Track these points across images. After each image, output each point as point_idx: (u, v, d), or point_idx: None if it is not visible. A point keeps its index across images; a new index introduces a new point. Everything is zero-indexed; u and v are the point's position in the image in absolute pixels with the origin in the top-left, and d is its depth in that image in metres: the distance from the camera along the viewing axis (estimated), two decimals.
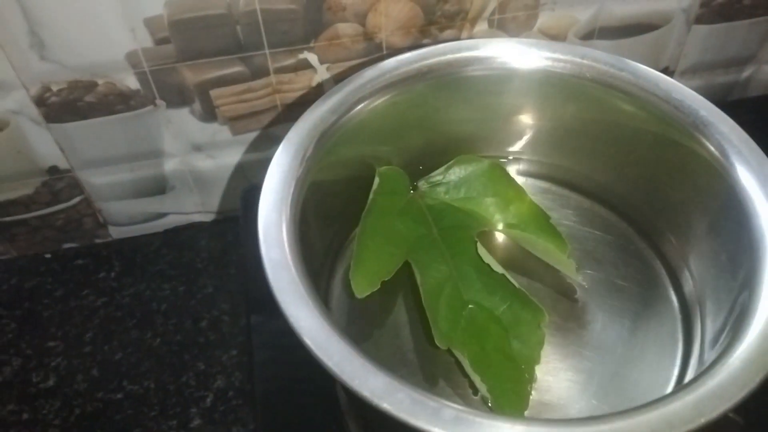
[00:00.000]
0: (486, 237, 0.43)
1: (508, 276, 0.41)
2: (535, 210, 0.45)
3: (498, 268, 0.41)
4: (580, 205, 0.47)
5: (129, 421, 0.54)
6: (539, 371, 0.40)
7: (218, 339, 0.58)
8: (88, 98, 0.53)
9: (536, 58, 0.43)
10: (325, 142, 0.39)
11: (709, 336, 0.38)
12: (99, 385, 0.55)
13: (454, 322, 0.40)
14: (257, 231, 0.34)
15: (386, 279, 0.40)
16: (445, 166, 0.46)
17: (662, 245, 0.44)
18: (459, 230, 0.44)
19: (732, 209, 0.37)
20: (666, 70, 0.63)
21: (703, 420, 0.27)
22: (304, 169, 0.38)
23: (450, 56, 0.44)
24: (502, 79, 0.44)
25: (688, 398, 0.28)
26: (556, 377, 0.40)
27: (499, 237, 0.45)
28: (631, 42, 0.59)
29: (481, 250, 0.42)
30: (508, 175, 0.46)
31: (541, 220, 0.44)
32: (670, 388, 0.39)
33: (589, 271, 0.44)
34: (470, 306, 0.40)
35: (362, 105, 0.41)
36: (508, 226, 0.44)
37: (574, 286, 0.43)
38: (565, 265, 0.43)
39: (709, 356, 0.36)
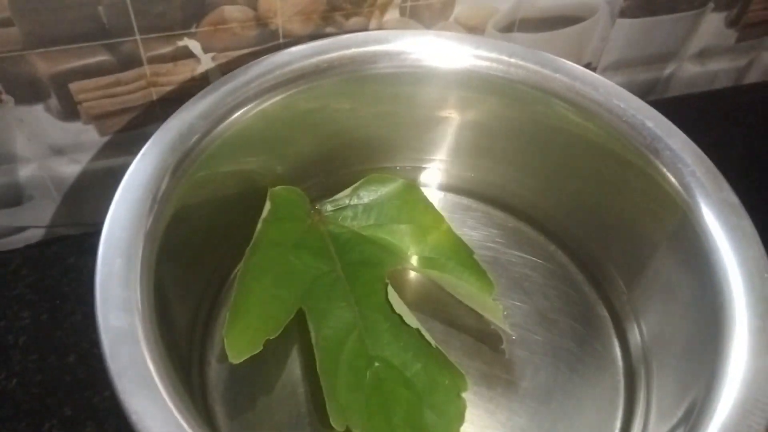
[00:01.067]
0: (399, 274, 0.37)
1: (422, 330, 0.34)
2: (455, 242, 0.39)
3: (412, 322, 0.35)
4: (505, 224, 0.42)
5: None
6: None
7: (89, 377, 0.50)
8: None
9: (457, 55, 0.37)
10: (194, 156, 0.31)
11: (656, 400, 0.33)
12: None
13: (356, 387, 0.33)
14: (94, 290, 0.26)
15: (272, 337, 0.33)
16: (353, 186, 0.40)
17: (600, 274, 0.39)
18: (368, 267, 0.37)
19: (685, 242, 0.31)
20: (588, 66, 0.60)
21: None
22: (163, 197, 0.30)
23: (355, 50, 0.37)
24: (416, 79, 0.38)
25: None
26: None
27: (414, 274, 0.39)
28: (553, 35, 0.55)
29: (392, 297, 0.35)
30: (425, 198, 0.40)
31: (462, 255, 0.39)
32: None
33: (516, 303, 0.38)
34: (377, 364, 0.34)
35: (246, 108, 0.34)
36: (425, 262, 0.38)
37: (500, 333, 0.37)
38: (491, 309, 0.37)
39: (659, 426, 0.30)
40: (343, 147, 0.41)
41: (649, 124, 0.33)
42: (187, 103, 0.33)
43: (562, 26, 0.54)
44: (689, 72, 0.64)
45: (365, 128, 0.40)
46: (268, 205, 0.36)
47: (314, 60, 0.36)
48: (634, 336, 0.36)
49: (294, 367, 0.36)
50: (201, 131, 0.32)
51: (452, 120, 0.40)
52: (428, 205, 0.39)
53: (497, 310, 0.37)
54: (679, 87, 0.65)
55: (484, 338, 0.38)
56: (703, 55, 0.64)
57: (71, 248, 0.56)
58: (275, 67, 0.35)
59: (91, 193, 0.54)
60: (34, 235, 0.55)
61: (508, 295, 0.39)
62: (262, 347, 0.32)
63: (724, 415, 0.25)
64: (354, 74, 0.37)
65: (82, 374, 0.50)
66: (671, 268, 0.33)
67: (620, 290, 0.38)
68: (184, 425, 0.23)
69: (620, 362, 0.36)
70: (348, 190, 0.40)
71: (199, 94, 0.33)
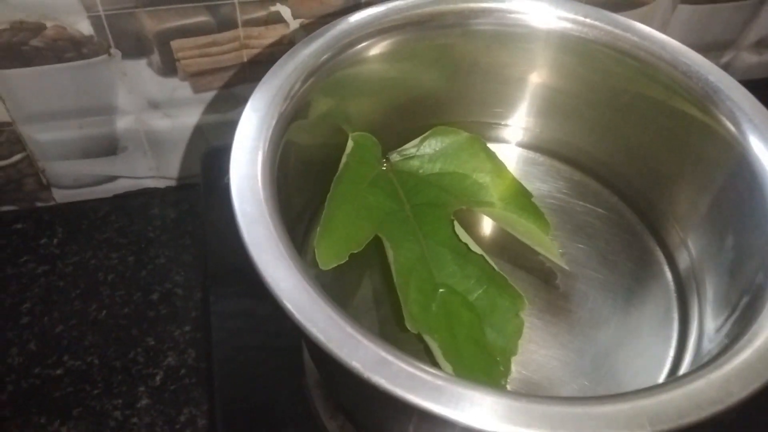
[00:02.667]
0: (463, 216, 0.40)
1: (487, 257, 0.38)
2: (516, 187, 0.42)
3: (476, 248, 0.38)
4: (571, 177, 0.45)
5: (69, 399, 0.49)
6: (527, 351, 0.37)
7: (170, 313, 0.54)
8: (35, 42, 0.48)
9: (548, 15, 0.40)
10: (299, 96, 0.35)
11: (710, 318, 0.36)
12: (36, 360, 0.51)
13: (425, 306, 0.37)
14: (229, 186, 0.29)
15: (355, 251, 0.37)
16: (420, 137, 0.43)
17: (658, 222, 0.42)
18: (433, 208, 0.40)
19: (742, 183, 0.34)
20: None
21: (732, 400, 0.25)
22: (279, 124, 0.34)
23: (456, 5, 0.40)
24: (509, 38, 0.41)
25: (715, 376, 0.25)
26: (544, 356, 0.37)
27: (477, 217, 0.42)
28: None
29: (458, 229, 0.39)
30: (487, 149, 0.42)
31: (522, 199, 0.41)
32: (665, 370, 0.36)
33: (580, 246, 0.42)
34: (441, 290, 0.37)
35: (344, 55, 0.37)
36: (487, 205, 0.41)
37: (556, 271, 0.40)
38: (548, 247, 0.40)
39: (717, 338, 0.33)
40: (421, 99, 0.43)
41: (711, 78, 0.36)
42: (298, 44, 0.36)
43: (625, 8, 0.56)
44: (747, 61, 0.66)
45: (449, 83, 0.43)
46: (350, 144, 0.40)
47: (415, 12, 0.38)
48: (687, 268, 0.39)
49: (376, 280, 0.40)
50: (309, 69, 0.36)
51: (532, 79, 0.43)
52: (490, 155, 0.42)
53: (553, 247, 0.40)
54: (736, 76, 0.66)
55: (544, 273, 0.41)
56: (761, 44, 0.65)
57: (156, 200, 0.60)
58: (375, 17, 0.38)
59: (178, 149, 0.58)
60: (123, 185, 0.60)
61: (572, 239, 0.42)
62: (347, 258, 0.36)
63: None
64: (451, 29, 0.40)
65: (164, 310, 0.54)
66: (727, 206, 0.36)
67: (676, 233, 0.41)
68: (311, 288, 0.26)
69: (673, 291, 0.39)
70: (416, 141, 0.43)
71: (309, 37, 0.37)
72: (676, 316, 0.38)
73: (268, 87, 0.34)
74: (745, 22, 0.62)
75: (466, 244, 0.38)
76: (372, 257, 0.39)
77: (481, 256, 0.38)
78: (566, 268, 0.40)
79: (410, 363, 0.25)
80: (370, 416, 0.36)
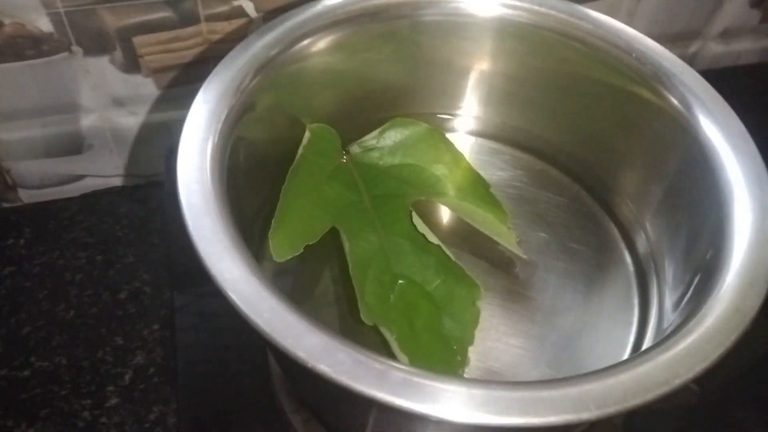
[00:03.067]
0: (422, 207, 0.40)
1: (444, 247, 0.38)
2: (474, 177, 0.42)
3: (433, 239, 0.38)
4: (531, 166, 0.45)
5: (36, 400, 0.49)
6: (488, 339, 0.37)
7: (138, 312, 0.53)
8: None
9: (493, 4, 0.40)
10: (250, 89, 0.35)
11: (668, 299, 0.36)
12: (2, 362, 0.50)
13: (383, 298, 0.37)
14: (175, 176, 0.29)
15: (310, 243, 0.37)
16: (380, 129, 0.43)
17: (616, 207, 0.42)
18: (392, 199, 0.40)
19: (695, 165, 0.35)
20: None
21: (677, 381, 0.25)
22: (229, 118, 0.33)
23: None
24: (457, 27, 0.41)
25: (661, 358, 0.26)
26: (505, 344, 0.37)
27: (437, 207, 0.42)
28: None
29: (416, 220, 0.39)
30: (446, 140, 0.43)
31: (480, 189, 0.41)
32: (626, 354, 0.36)
33: (541, 234, 0.42)
34: (400, 281, 0.37)
35: (297, 47, 0.37)
36: (445, 195, 0.41)
37: (516, 260, 0.40)
38: (506, 237, 0.40)
39: (673, 319, 0.33)
40: (378, 92, 0.43)
41: (666, 64, 0.37)
42: (248, 37, 0.36)
43: (589, 0, 0.56)
44: (713, 51, 0.66)
45: (402, 75, 0.43)
46: (307, 135, 0.40)
47: (363, 4, 0.38)
48: (645, 252, 0.40)
49: (336, 274, 0.39)
50: (258, 64, 0.35)
51: (484, 68, 0.44)
52: (449, 145, 0.42)
53: (511, 236, 0.40)
54: (703, 66, 0.66)
55: (504, 263, 0.41)
56: (726, 34, 0.65)
57: (124, 198, 0.60)
58: (327, 10, 0.38)
59: (145, 146, 0.58)
60: (90, 184, 0.59)
61: (533, 227, 0.42)
62: (302, 250, 0.36)
63: (733, 273, 0.28)
64: (399, 21, 0.40)
65: (133, 309, 0.54)
66: (682, 188, 0.36)
67: (635, 217, 0.41)
68: (255, 279, 0.26)
69: (633, 276, 0.39)
70: (375, 133, 0.43)
71: (258, 31, 0.36)
72: (636, 300, 0.39)
73: (219, 80, 0.34)
74: (710, 12, 0.63)
75: (423, 235, 0.38)
76: (332, 251, 0.39)
77: (438, 246, 0.38)
78: (524, 257, 0.40)
79: (355, 351, 0.25)
80: (328, 408, 0.36)
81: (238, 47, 0.35)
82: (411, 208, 0.40)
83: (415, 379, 0.24)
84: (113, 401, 0.49)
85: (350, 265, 0.37)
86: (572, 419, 0.24)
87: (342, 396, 0.30)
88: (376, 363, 0.24)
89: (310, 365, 0.24)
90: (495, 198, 0.41)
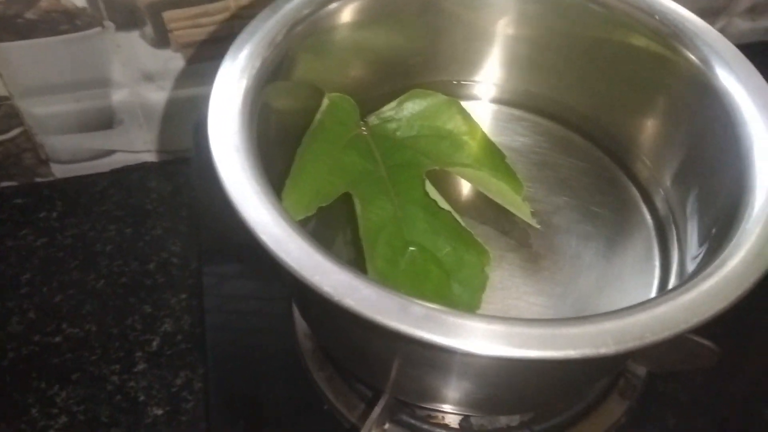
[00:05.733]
0: (438, 177, 0.41)
1: (454, 213, 0.38)
2: (490, 148, 0.42)
3: (444, 205, 0.39)
4: (553, 132, 0.45)
5: (67, 364, 0.50)
6: (509, 297, 0.38)
7: (167, 282, 0.55)
8: (29, 15, 0.49)
9: None
10: (282, 44, 0.36)
11: (689, 256, 0.36)
12: (36, 328, 0.52)
13: (393, 263, 0.37)
14: (203, 147, 0.30)
15: (323, 205, 0.37)
16: (398, 100, 0.43)
17: (637, 169, 0.43)
18: (408, 168, 0.41)
19: (716, 121, 0.35)
20: None
21: (696, 320, 0.25)
22: (259, 75, 0.34)
23: None
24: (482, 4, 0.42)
25: (681, 299, 0.26)
26: (526, 302, 0.38)
27: (452, 178, 0.43)
28: None
29: (429, 187, 0.39)
30: (463, 110, 0.43)
31: (495, 160, 0.42)
32: None
33: (563, 197, 0.42)
34: (411, 248, 0.38)
35: (325, 9, 0.38)
36: (461, 165, 0.42)
37: (528, 230, 0.41)
38: (519, 207, 0.41)
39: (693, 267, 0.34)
40: (401, 59, 0.44)
41: (687, 24, 0.37)
42: (267, 8, 0.37)
43: None
44: (740, 27, 0.66)
45: (424, 41, 0.44)
46: (325, 102, 0.40)
47: None
48: (664, 206, 0.40)
49: (344, 237, 0.40)
50: (284, 29, 0.36)
51: (508, 34, 0.44)
52: (466, 116, 0.43)
53: (525, 206, 0.40)
54: (730, 41, 0.66)
55: (528, 225, 0.41)
56: (754, 10, 0.64)
57: (153, 173, 0.61)
58: None
59: (173, 122, 0.59)
60: (120, 159, 0.61)
61: (556, 191, 0.42)
62: (315, 211, 0.37)
63: (753, 221, 0.29)
64: None
65: (161, 279, 0.55)
66: (703, 145, 0.36)
67: (655, 179, 0.41)
68: (283, 221, 0.27)
69: (654, 238, 0.40)
70: (393, 104, 0.43)
71: (268, 9, 0.37)
72: (657, 261, 0.39)
73: (250, 36, 0.35)
74: None
75: (435, 202, 0.39)
76: (345, 216, 0.40)
77: (449, 212, 0.39)
78: (537, 227, 0.40)
79: (379, 288, 0.26)
80: (352, 357, 0.37)
81: (267, 9, 0.36)
82: (425, 177, 0.40)
83: (437, 314, 0.25)
84: (141, 366, 0.50)
85: (361, 230, 0.38)
86: (590, 353, 0.24)
87: (366, 339, 0.31)
88: (399, 298, 0.25)
89: (336, 299, 0.25)
90: (510, 169, 0.41)
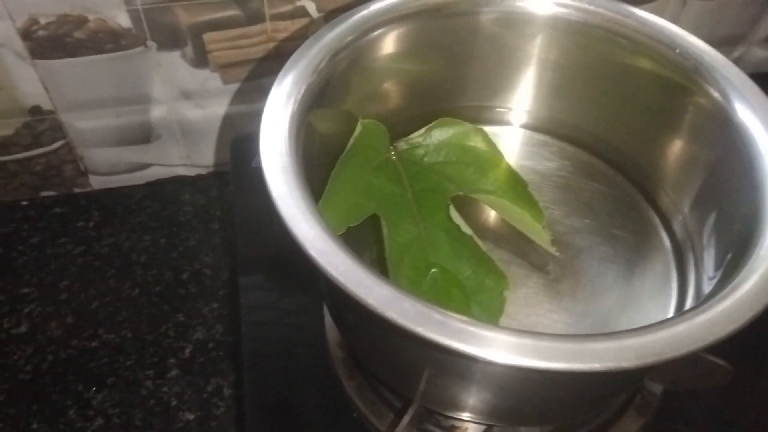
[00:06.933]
0: (463, 203, 0.43)
1: (476, 238, 0.40)
2: (512, 176, 0.44)
3: (466, 230, 0.41)
4: (578, 157, 0.47)
5: (103, 369, 0.52)
6: (533, 314, 0.40)
7: (199, 291, 0.57)
8: (78, 34, 0.51)
9: (547, 2, 0.43)
10: (326, 70, 0.38)
11: (705, 277, 0.38)
12: (73, 332, 0.54)
13: (416, 283, 0.39)
14: (259, 165, 0.32)
15: (352, 225, 0.39)
16: (426, 127, 0.45)
17: (657, 195, 0.45)
18: (433, 193, 0.43)
19: (734, 153, 0.37)
20: None
21: (712, 338, 0.27)
22: (304, 100, 0.37)
23: None
24: (512, 24, 0.44)
25: (697, 319, 0.28)
26: (549, 319, 0.40)
27: (478, 204, 0.45)
28: None
29: (452, 212, 0.41)
30: (489, 140, 0.45)
31: (518, 188, 0.44)
32: None
33: (585, 220, 0.44)
34: (434, 270, 0.40)
35: (366, 38, 0.40)
36: (485, 192, 0.44)
37: (561, 245, 0.43)
38: (540, 235, 0.42)
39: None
40: (434, 85, 0.46)
41: (707, 59, 0.39)
42: (311, 37, 0.39)
43: (634, 4, 0.58)
44: (757, 56, 0.67)
45: (457, 69, 0.46)
46: (359, 128, 0.43)
47: (424, 1, 0.42)
48: (682, 232, 0.42)
49: (370, 256, 0.42)
50: (328, 56, 0.38)
51: (536, 64, 0.46)
52: (491, 145, 0.45)
53: (545, 234, 0.42)
54: (747, 70, 0.67)
55: (538, 254, 0.43)
56: None
57: (187, 187, 0.64)
58: (392, 6, 0.41)
59: (208, 138, 0.61)
60: (155, 173, 0.63)
61: (578, 214, 0.44)
62: (344, 230, 0.38)
63: (766, 248, 0.31)
64: (460, 17, 0.43)
65: (194, 288, 0.57)
66: (720, 176, 0.38)
67: (675, 206, 0.43)
68: (328, 236, 0.29)
69: (672, 261, 0.41)
70: (422, 131, 0.45)
71: (322, 30, 0.39)
72: (675, 283, 0.41)
73: (295, 64, 0.37)
74: (755, 17, 0.64)
75: (458, 227, 0.41)
76: (372, 237, 0.42)
77: (471, 237, 0.41)
78: (556, 254, 0.42)
79: (418, 302, 0.28)
80: (383, 366, 0.39)
81: (311, 37, 0.39)
82: (450, 202, 0.42)
83: (472, 328, 0.27)
84: (174, 372, 0.52)
85: (387, 251, 0.40)
86: (613, 367, 0.26)
87: (401, 349, 0.33)
88: (437, 313, 0.27)
89: (379, 311, 0.27)
90: (532, 197, 0.43)
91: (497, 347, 0.27)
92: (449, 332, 0.27)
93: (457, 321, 0.27)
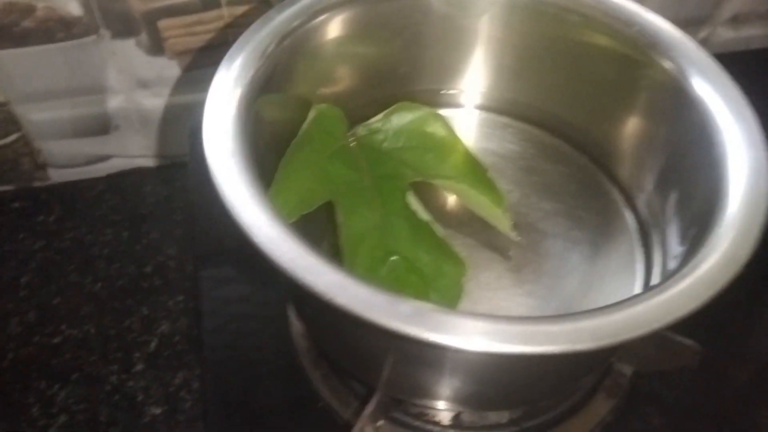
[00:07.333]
0: (425, 190, 0.42)
1: (434, 224, 0.40)
2: (471, 162, 0.44)
3: (424, 216, 0.40)
4: (539, 139, 0.47)
5: (67, 365, 0.51)
6: (496, 298, 0.39)
7: (163, 284, 0.56)
8: (26, 23, 0.50)
9: None
10: (274, 54, 0.37)
11: (670, 254, 0.38)
12: (35, 329, 0.53)
13: (373, 271, 0.39)
14: (198, 152, 0.31)
15: (305, 212, 0.38)
16: (385, 112, 0.45)
17: (619, 174, 0.44)
18: (393, 180, 0.42)
19: (692, 129, 0.36)
20: None
21: (669, 318, 0.27)
22: (252, 83, 0.36)
23: None
24: (464, 3, 0.43)
25: (654, 299, 0.27)
26: (514, 302, 0.39)
27: (439, 191, 0.44)
28: None
29: (410, 198, 0.41)
30: (447, 125, 0.44)
31: (477, 173, 0.43)
32: None
33: (549, 203, 0.44)
34: (393, 257, 0.39)
35: (316, 21, 0.39)
36: (444, 178, 0.43)
37: (524, 226, 0.42)
38: (501, 220, 0.42)
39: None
40: (388, 69, 0.46)
41: (665, 35, 0.39)
42: (259, 19, 0.38)
43: None
44: (723, 37, 0.67)
45: (410, 51, 0.45)
46: (312, 114, 0.42)
47: None
48: (645, 211, 0.42)
49: (323, 241, 0.41)
50: (276, 40, 0.38)
51: (493, 44, 0.45)
52: (450, 131, 0.44)
53: (505, 219, 0.42)
54: (713, 50, 0.67)
55: (503, 239, 0.42)
56: (736, 20, 0.66)
57: (149, 178, 0.62)
58: None
59: (168, 128, 0.60)
60: (116, 164, 0.62)
61: (542, 197, 0.44)
62: (298, 217, 0.38)
63: (726, 226, 0.30)
64: None
65: (158, 282, 0.56)
66: (680, 152, 0.38)
67: (636, 183, 0.43)
68: (277, 224, 0.29)
69: (637, 241, 0.41)
70: (380, 116, 0.45)
71: (270, 12, 0.38)
72: (639, 264, 0.40)
73: (243, 47, 0.36)
74: None
75: (415, 213, 0.40)
76: (331, 227, 0.41)
77: (429, 223, 0.40)
78: (516, 239, 0.42)
79: (368, 287, 0.27)
80: (346, 355, 0.38)
81: (258, 20, 0.38)
82: (409, 188, 0.41)
83: (424, 310, 0.26)
84: (139, 367, 0.51)
85: (342, 238, 0.39)
86: (568, 349, 0.26)
87: (357, 336, 0.32)
88: (388, 297, 0.27)
89: (328, 298, 0.26)
90: (491, 182, 0.43)
91: (450, 331, 0.26)
92: (400, 317, 0.26)
93: (408, 306, 0.26)
